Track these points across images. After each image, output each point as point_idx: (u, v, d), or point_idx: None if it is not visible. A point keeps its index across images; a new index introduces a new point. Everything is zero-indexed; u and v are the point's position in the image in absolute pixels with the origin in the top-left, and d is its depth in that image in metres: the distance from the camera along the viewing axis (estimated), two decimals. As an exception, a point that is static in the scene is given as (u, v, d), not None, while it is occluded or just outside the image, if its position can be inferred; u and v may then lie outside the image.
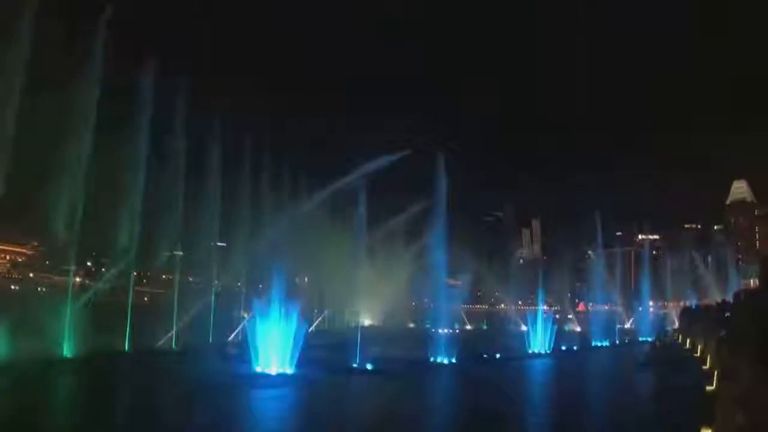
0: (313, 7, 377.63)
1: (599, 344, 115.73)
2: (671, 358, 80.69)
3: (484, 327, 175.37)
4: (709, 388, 42.36)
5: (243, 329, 75.08)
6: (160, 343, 68.50)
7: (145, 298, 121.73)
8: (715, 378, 42.76)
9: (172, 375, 56.34)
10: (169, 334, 69.79)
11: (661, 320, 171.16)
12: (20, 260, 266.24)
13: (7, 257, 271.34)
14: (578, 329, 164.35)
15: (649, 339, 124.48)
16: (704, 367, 57.18)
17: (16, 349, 51.21)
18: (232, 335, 78.65)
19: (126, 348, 62.75)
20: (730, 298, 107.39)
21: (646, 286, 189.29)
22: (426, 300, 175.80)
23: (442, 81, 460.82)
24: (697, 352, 73.19)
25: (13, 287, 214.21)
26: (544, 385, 65.30)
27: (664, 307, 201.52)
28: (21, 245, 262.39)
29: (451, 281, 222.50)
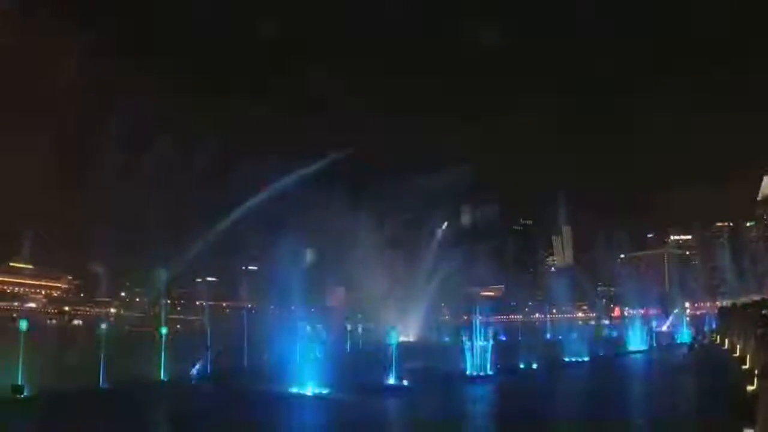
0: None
1: (636, 349, 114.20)
2: (710, 360, 79.59)
3: (519, 338, 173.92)
4: (750, 388, 41.70)
5: (275, 352, 75.32)
6: (195, 369, 68.21)
7: (177, 326, 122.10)
8: (755, 378, 42.10)
9: (208, 403, 56.39)
10: (204, 360, 69.50)
11: (698, 321, 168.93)
12: (56, 295, 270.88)
13: (43, 292, 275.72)
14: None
15: (687, 341, 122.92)
16: (744, 367, 56.32)
17: (52, 382, 51.67)
18: (265, 358, 78.30)
19: (161, 376, 62.66)
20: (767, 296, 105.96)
21: (680, 287, 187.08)
22: (459, 313, 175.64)
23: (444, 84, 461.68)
24: (736, 352, 72.10)
25: (50, 322, 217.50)
26: (584, 397, 63.48)
27: (701, 308, 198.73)
28: (56, 279, 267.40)
29: (484, 293, 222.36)
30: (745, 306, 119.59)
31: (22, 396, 49.11)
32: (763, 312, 79.78)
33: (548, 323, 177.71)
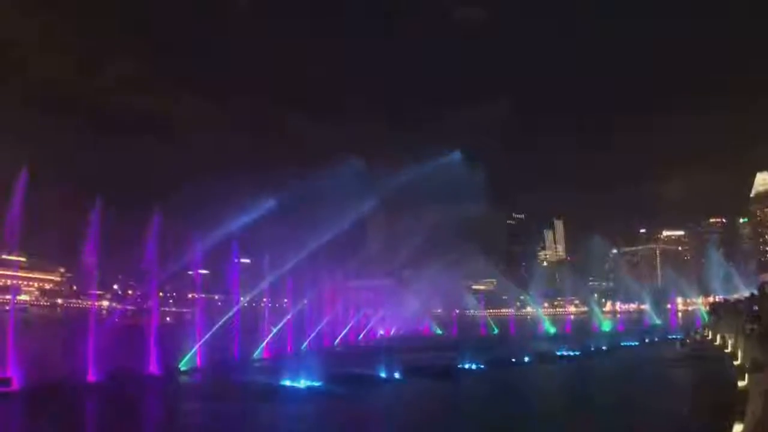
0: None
1: (628, 344, 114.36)
2: (702, 356, 79.58)
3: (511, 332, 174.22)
4: (741, 383, 41.76)
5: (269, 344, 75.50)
6: (184, 361, 67.89)
7: (167, 318, 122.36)
8: (746, 374, 42.15)
9: (204, 394, 56.36)
10: (193, 352, 69.17)
11: (690, 317, 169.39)
12: (48, 287, 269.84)
13: (36, 285, 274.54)
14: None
15: (679, 336, 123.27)
16: (735, 363, 56.33)
17: (42, 374, 51.31)
18: (258, 350, 78.11)
19: (152, 370, 62.19)
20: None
21: (672, 283, 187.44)
22: (451, 307, 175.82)
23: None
24: (727, 348, 72.12)
25: (42, 314, 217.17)
26: (574, 392, 62.93)
27: (693, 303, 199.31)
28: (49, 272, 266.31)
29: (476, 286, 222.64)
30: (737, 302, 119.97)
31: (8, 389, 48.73)
32: (754, 308, 79.97)
33: (540, 317, 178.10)
